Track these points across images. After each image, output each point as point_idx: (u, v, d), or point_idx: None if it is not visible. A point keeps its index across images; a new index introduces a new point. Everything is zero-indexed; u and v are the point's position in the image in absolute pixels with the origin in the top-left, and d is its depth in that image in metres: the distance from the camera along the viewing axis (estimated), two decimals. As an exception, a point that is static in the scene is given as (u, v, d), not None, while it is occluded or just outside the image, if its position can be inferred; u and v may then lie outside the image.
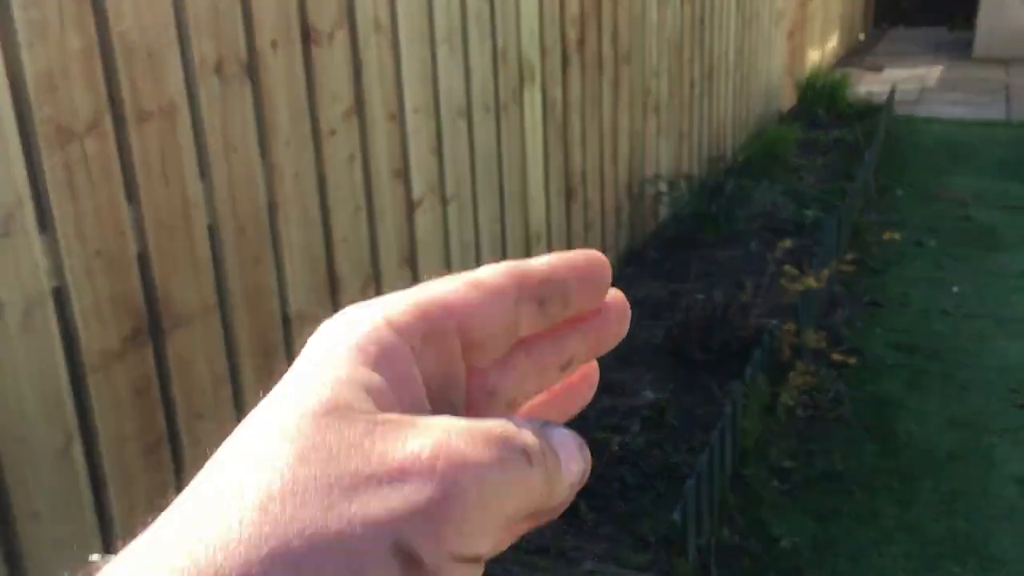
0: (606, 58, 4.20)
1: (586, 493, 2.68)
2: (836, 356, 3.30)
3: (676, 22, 5.12)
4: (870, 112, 7.34)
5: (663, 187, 4.91)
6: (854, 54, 11.41)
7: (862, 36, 12.59)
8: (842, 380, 3.38)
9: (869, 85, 9.11)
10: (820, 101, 7.37)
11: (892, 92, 7.33)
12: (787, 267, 3.46)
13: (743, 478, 2.82)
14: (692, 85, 5.49)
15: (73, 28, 1.69)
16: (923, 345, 3.67)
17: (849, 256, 4.12)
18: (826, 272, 3.40)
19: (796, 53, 8.25)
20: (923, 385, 3.37)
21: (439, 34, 2.86)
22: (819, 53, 9.37)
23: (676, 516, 2.32)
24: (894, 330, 3.80)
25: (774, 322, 3.25)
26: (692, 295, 3.94)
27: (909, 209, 5.37)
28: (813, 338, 3.24)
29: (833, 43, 10.32)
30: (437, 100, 2.89)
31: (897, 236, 3.85)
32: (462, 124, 3.03)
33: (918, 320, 3.89)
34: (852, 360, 3.36)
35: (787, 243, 3.81)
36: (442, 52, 2.88)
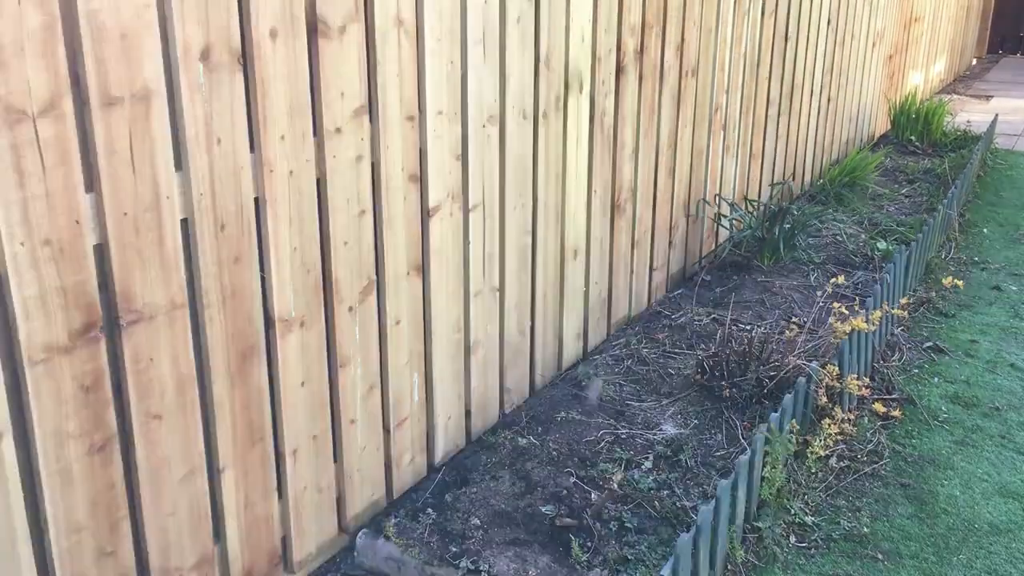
0: (669, 70, 4.01)
1: (581, 531, 2.50)
2: (879, 405, 3.04)
3: (755, 36, 4.88)
4: (968, 142, 6.94)
5: (724, 208, 4.68)
6: (962, 80, 10.89)
7: (974, 62, 12.04)
8: (885, 432, 3.12)
9: (972, 114, 8.65)
10: (913, 128, 7.00)
11: (993, 123, 6.91)
12: (836, 305, 3.21)
13: (758, 531, 2.61)
14: (769, 103, 5.24)
15: (32, 3, 1.60)
16: (983, 400, 3.37)
17: (904, 299, 3.82)
18: (878, 313, 3.14)
19: (895, 77, 7.87)
20: (976, 445, 3.09)
21: (472, 35, 2.72)
22: (922, 78, 8.94)
23: (665, 572, 2.13)
24: (954, 381, 3.51)
25: (813, 364, 3.01)
26: (735, 325, 3.71)
27: (993, 249, 5.01)
28: (856, 384, 3.00)
29: (939, 68, 9.85)
30: (465, 104, 2.75)
31: (960, 283, 3.54)
32: (493, 130, 2.89)
33: (982, 372, 3.58)
34: (897, 412, 3.09)
35: (840, 279, 3.54)
36: (474, 54, 2.74)
